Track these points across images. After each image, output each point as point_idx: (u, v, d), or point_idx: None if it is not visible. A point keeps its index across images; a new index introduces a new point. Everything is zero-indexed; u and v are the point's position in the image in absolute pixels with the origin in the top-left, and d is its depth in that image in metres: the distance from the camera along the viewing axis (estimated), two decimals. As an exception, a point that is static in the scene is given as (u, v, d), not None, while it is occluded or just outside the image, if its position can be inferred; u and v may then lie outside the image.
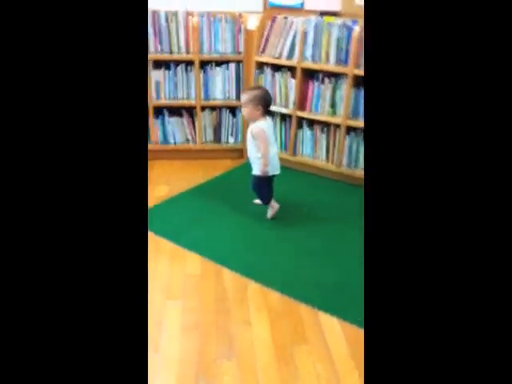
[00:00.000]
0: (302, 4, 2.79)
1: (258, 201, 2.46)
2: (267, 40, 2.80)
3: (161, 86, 2.90)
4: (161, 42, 2.79)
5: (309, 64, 2.67)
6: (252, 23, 2.81)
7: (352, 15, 2.60)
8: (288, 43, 2.72)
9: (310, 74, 2.74)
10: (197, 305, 1.76)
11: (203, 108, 2.97)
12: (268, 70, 2.83)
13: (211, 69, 2.88)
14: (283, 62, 2.75)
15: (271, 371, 1.47)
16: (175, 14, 2.76)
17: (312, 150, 2.85)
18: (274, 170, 2.31)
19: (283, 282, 1.89)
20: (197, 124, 2.99)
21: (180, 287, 1.86)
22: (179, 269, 1.98)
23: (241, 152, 3.05)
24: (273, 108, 2.79)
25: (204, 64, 2.88)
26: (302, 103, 2.79)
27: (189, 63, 2.87)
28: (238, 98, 2.88)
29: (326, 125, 2.76)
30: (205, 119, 3.00)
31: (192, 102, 2.94)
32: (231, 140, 3.08)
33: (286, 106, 2.83)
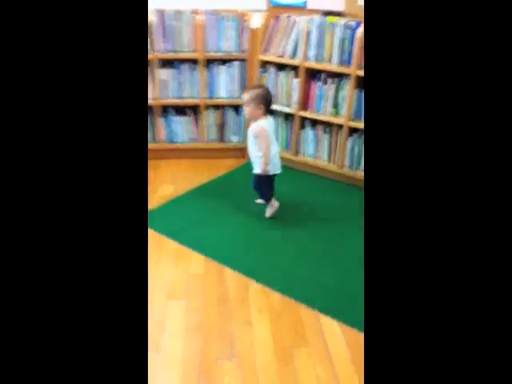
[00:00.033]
0: (305, 3, 2.78)
1: (260, 200, 2.48)
2: (271, 39, 2.81)
3: (167, 85, 2.91)
4: (168, 41, 2.80)
5: (312, 64, 2.67)
6: (256, 22, 2.81)
7: (355, 16, 2.60)
8: (291, 42, 2.72)
9: (312, 74, 2.75)
10: (199, 305, 1.80)
11: (207, 107, 2.98)
12: (272, 69, 2.84)
13: (216, 67, 2.89)
14: (286, 60, 2.75)
15: (271, 372, 1.51)
16: (181, 12, 2.75)
17: (314, 150, 2.87)
18: (275, 169, 2.32)
19: (284, 283, 1.92)
20: (201, 123, 3.00)
21: (183, 287, 1.90)
22: (183, 268, 2.01)
23: (243, 151, 3.06)
24: (276, 107, 2.82)
25: (209, 62, 2.88)
26: (304, 103, 2.80)
27: (194, 62, 2.88)
28: (241, 96, 2.89)
29: (328, 125, 2.77)
30: (209, 118, 3.02)
31: (196, 101, 2.95)
32: (234, 139, 3.10)
33: (289, 106, 2.84)
